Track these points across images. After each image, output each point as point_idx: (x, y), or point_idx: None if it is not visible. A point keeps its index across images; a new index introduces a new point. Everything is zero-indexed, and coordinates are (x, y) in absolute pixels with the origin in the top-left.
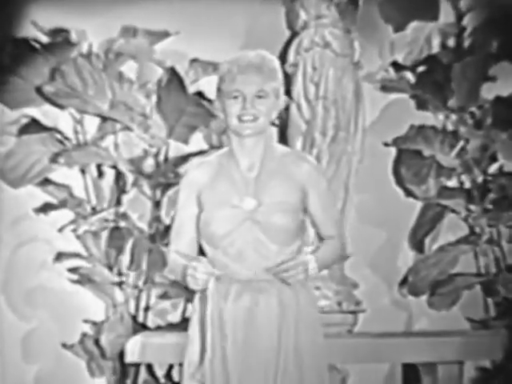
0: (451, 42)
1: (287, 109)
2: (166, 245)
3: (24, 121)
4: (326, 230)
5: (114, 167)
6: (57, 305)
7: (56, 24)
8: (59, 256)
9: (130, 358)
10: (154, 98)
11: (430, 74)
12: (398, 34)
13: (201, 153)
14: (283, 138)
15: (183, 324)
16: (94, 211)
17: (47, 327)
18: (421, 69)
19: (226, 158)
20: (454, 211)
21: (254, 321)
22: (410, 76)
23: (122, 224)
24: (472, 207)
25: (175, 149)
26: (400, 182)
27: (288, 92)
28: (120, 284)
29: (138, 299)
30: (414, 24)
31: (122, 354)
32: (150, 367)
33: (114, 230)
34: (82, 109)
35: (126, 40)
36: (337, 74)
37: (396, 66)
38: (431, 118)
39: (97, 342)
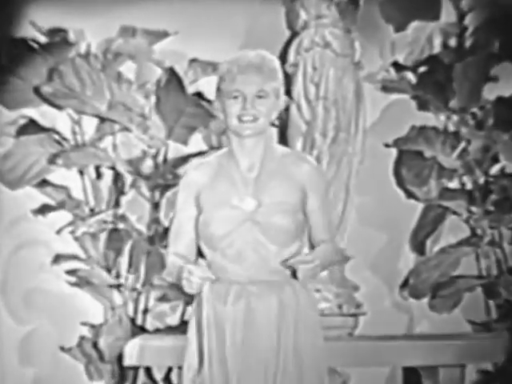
0: (452, 42)
1: (287, 109)
2: (165, 247)
3: (22, 121)
4: (319, 233)
5: (113, 168)
6: (55, 307)
7: (54, 24)
8: (57, 258)
9: (128, 361)
10: (152, 99)
11: (431, 74)
12: (399, 34)
13: (200, 154)
14: (283, 139)
15: (182, 327)
16: (93, 213)
17: (45, 330)
18: (422, 69)
19: (226, 158)
20: (455, 213)
21: (253, 321)
22: (411, 76)
23: (121, 226)
24: (473, 209)
25: (174, 150)
26: (401, 183)
27: (288, 92)
28: (118, 286)
29: (136, 302)
30: (415, 24)
31: (120, 357)
32: (148, 370)
33: (113, 231)
34: (80, 109)
35: (124, 40)
36: (337, 74)
37: (397, 66)
38: (432, 119)
39: (95, 345)
